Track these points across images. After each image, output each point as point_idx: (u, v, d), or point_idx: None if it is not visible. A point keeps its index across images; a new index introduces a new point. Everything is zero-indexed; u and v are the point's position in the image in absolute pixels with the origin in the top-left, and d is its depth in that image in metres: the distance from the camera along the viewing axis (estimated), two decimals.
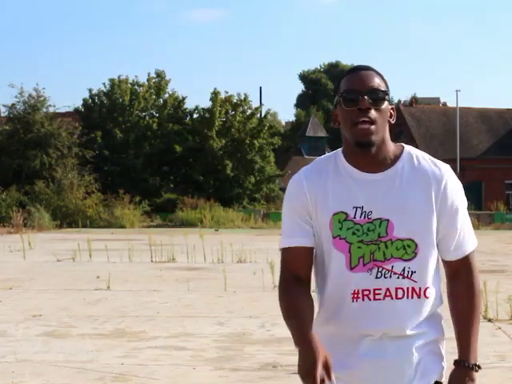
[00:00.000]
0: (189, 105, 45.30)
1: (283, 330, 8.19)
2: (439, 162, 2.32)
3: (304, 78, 66.67)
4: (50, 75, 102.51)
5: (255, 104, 42.75)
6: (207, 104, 40.96)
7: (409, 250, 2.20)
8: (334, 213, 2.22)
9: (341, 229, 2.21)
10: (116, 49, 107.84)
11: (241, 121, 40.21)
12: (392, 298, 2.20)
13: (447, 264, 2.30)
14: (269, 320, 8.71)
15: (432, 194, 2.25)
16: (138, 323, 8.50)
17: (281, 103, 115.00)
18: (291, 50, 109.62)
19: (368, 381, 2.23)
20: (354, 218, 2.21)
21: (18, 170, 35.09)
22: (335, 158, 2.28)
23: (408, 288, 2.21)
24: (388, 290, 2.20)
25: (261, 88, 51.75)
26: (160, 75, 42.38)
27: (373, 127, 2.18)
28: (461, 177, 40.86)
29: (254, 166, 39.77)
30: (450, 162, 42.83)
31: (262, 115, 41.87)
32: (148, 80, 41.92)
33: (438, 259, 2.29)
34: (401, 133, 51.98)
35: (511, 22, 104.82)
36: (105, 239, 21.50)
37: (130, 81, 41.63)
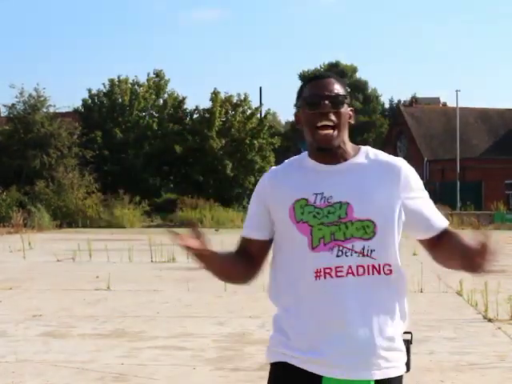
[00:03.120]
0: (189, 105, 45.28)
1: None
2: (394, 157, 2.52)
3: (304, 77, 66.63)
4: (50, 75, 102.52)
5: (255, 104, 42.78)
6: (207, 104, 40.99)
7: (368, 230, 2.36)
8: (296, 200, 2.40)
9: (302, 213, 2.39)
10: (115, 49, 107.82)
11: (241, 121, 40.22)
12: (354, 275, 2.34)
13: (429, 242, 2.49)
14: (269, 320, 8.68)
15: (392, 182, 2.42)
16: (137, 323, 8.49)
17: (281, 103, 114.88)
18: (291, 50, 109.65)
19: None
20: (315, 202, 2.39)
21: (18, 170, 35.08)
22: (301, 157, 2.51)
23: (368, 265, 2.36)
24: (350, 267, 2.34)
25: (261, 88, 51.72)
26: (159, 75, 42.39)
27: (333, 132, 2.40)
28: (461, 177, 40.87)
29: (254, 166, 39.78)
30: (450, 161, 42.85)
31: (262, 115, 41.88)
32: (148, 80, 41.93)
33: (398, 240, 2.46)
34: (401, 133, 51.97)
35: (511, 23, 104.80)
36: (105, 239, 21.51)
37: (130, 81, 41.65)
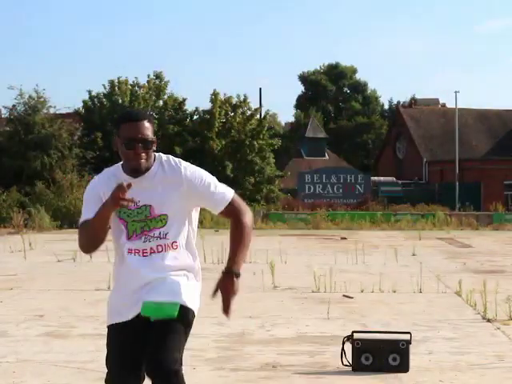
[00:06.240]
0: (189, 106, 45.34)
1: (283, 330, 8.24)
2: (177, 160, 3.56)
3: (304, 79, 66.64)
4: (51, 77, 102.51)
5: (255, 105, 42.79)
6: (207, 105, 41.01)
7: (163, 221, 3.45)
8: None
9: (120, 212, 3.46)
10: (116, 49, 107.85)
11: (240, 122, 40.24)
12: (156, 253, 3.47)
13: (223, 215, 3.55)
14: (269, 320, 8.74)
15: (177, 183, 3.45)
16: None
17: (280, 104, 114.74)
18: (291, 51, 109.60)
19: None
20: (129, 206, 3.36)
21: (18, 170, 35.08)
22: (116, 169, 3.52)
23: (165, 244, 3.47)
24: (151, 248, 3.46)
25: (260, 89, 51.77)
26: (159, 76, 42.40)
27: (143, 161, 3.41)
28: (460, 177, 40.88)
29: (253, 167, 39.80)
30: (449, 162, 42.87)
31: (262, 116, 41.90)
32: (148, 81, 41.94)
33: (191, 223, 3.57)
34: (400, 134, 52.00)
35: (510, 23, 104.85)
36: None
37: (130, 82, 41.66)
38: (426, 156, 47.76)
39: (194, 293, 3.55)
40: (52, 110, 37.02)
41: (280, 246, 17.63)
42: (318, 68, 67.39)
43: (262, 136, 40.23)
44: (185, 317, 3.45)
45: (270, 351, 7.12)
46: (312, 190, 41.32)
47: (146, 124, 3.39)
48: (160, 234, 3.46)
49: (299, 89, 76.37)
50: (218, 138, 39.64)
